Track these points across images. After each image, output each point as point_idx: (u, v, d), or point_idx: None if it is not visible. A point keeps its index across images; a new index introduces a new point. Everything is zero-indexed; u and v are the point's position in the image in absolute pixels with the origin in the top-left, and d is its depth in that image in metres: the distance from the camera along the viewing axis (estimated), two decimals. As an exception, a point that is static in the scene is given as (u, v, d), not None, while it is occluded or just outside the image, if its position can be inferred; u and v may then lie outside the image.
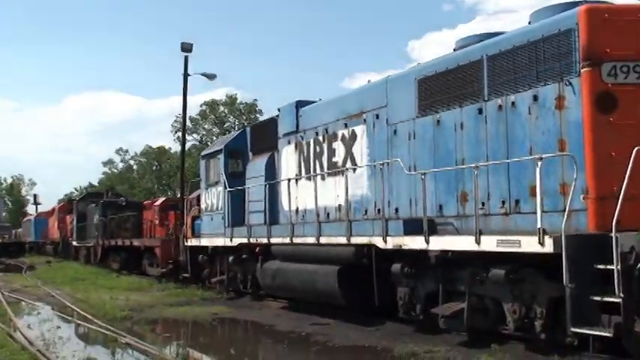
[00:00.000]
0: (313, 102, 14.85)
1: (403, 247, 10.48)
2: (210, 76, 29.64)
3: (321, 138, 13.90)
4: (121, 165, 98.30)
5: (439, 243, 9.78)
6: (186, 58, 28.02)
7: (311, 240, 12.99)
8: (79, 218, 38.94)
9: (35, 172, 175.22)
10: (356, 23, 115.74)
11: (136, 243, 26.76)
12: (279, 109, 15.68)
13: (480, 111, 9.90)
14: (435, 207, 10.63)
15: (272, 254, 14.78)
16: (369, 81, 13.02)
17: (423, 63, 11.43)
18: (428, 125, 10.92)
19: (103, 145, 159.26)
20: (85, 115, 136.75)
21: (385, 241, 10.84)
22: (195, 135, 75.22)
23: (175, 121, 75.94)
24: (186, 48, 28.21)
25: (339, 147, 13.26)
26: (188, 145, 74.68)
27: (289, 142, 15.14)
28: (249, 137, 17.27)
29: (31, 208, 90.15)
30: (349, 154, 12.94)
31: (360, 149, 12.61)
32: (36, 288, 22.67)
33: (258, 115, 69.68)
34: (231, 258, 16.87)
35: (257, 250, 15.39)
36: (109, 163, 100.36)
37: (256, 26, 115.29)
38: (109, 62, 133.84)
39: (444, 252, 9.72)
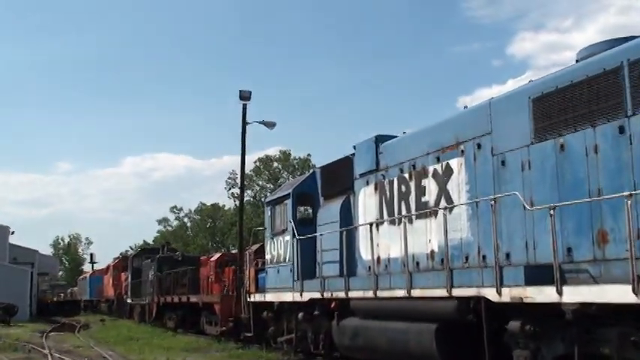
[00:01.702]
0: (394, 136, 13.15)
1: (525, 300, 8.51)
2: (269, 124, 28.38)
3: (407, 175, 12.14)
4: (175, 223, 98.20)
5: (577, 294, 7.79)
6: (244, 106, 26.87)
7: (400, 293, 11.10)
8: (133, 275, 37.75)
9: (92, 231, 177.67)
10: (405, 79, 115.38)
11: (193, 299, 25.12)
12: (354, 147, 14.01)
13: (622, 130, 8.01)
14: (562, 250, 8.66)
15: (350, 310, 12.93)
16: (465, 107, 11.28)
17: (537, 79, 9.64)
18: (548, 152, 9.06)
19: (158, 205, 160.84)
20: (141, 176, 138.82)
21: (500, 293, 8.89)
22: (249, 191, 74.41)
23: (229, 177, 75.72)
24: (245, 96, 27.11)
25: (431, 184, 11.46)
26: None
27: (367, 183, 13.41)
28: (320, 180, 15.59)
29: (87, 267, 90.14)
30: (443, 192, 11.12)
31: (458, 185, 10.79)
32: (88, 349, 21.17)
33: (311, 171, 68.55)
34: (300, 315, 15.04)
35: (332, 306, 13.53)
36: (164, 221, 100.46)
37: (305, 83, 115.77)
38: (164, 125, 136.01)
39: (585, 305, 7.72)
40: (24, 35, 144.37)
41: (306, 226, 15.36)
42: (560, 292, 7.95)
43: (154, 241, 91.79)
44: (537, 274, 8.53)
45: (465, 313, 9.70)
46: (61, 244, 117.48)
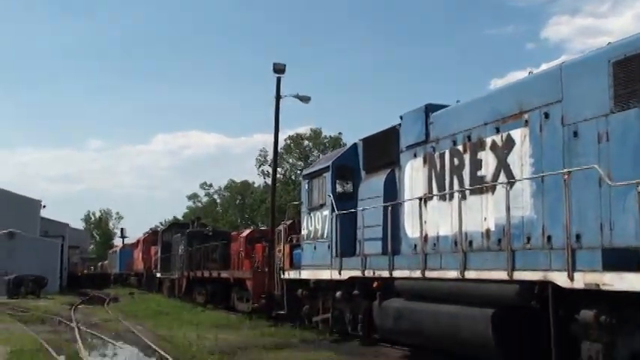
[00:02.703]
0: (446, 106, 12.18)
1: (602, 288, 7.55)
2: (304, 99, 27.51)
3: (460, 148, 11.18)
4: (205, 199, 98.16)
5: (668, 281, 6.84)
6: (278, 79, 26.01)
7: (452, 274, 10.21)
8: (163, 249, 37.35)
9: (123, 206, 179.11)
10: (438, 61, 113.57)
11: (224, 275, 24.47)
12: (401, 117, 13.07)
13: None
14: (643, 232, 7.68)
15: (394, 291, 12.09)
16: (530, 72, 10.25)
17: (619, 40, 8.58)
18: (631, 121, 8.03)
19: (188, 181, 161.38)
20: (172, 153, 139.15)
21: (571, 279, 7.95)
22: (279, 169, 73.65)
23: (259, 155, 75.14)
24: (279, 69, 26.20)
25: (488, 157, 10.49)
26: (269, 180, 73.62)
27: (415, 155, 12.48)
28: (362, 152, 14.65)
29: (118, 241, 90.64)
30: (502, 166, 10.14)
31: (520, 158, 9.81)
32: (116, 322, 20.70)
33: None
34: (338, 294, 14.24)
35: (374, 286, 12.69)
36: (194, 197, 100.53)
37: (337, 63, 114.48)
38: (196, 103, 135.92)
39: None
40: (57, 14, 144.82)
41: (345, 201, 14.54)
42: (646, 279, 7.00)
43: (183, 216, 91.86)
44: (617, 259, 7.59)
45: (527, 298, 8.78)
46: (92, 218, 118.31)
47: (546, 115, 9.34)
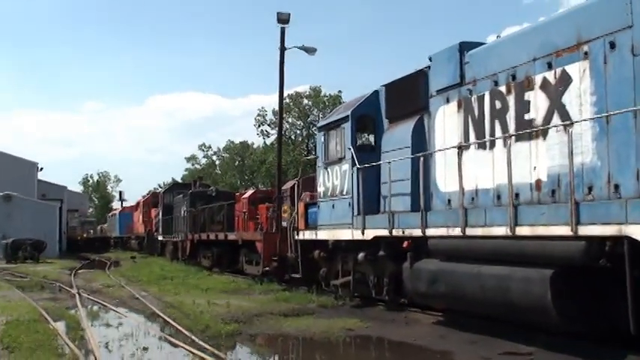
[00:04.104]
0: (482, 43, 10.88)
1: (697, 241, 6.40)
2: (310, 50, 26.23)
3: (503, 88, 9.89)
4: (204, 161, 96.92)
5: None
6: (282, 30, 24.75)
7: (500, 231, 9.05)
8: (164, 211, 36.27)
9: (121, 169, 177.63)
10: (434, 17, 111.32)
11: (231, 237, 23.31)
12: (430, 58, 11.76)
13: None
14: None
15: (427, 251, 10.93)
16: (587, -4, 8.91)
17: None
18: None
19: (185, 143, 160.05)
20: (168, 115, 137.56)
21: (655, 232, 6.79)
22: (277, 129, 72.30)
23: (258, 114, 73.73)
24: (283, 19, 24.93)
25: (538, 97, 9.21)
26: (269, 140, 72.42)
27: (448, 100, 11.21)
28: (384, 100, 13.34)
29: (116, 205, 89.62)
30: (556, 107, 8.88)
31: (578, 97, 8.53)
32: (119, 288, 19.61)
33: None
34: (360, 255, 13.08)
35: (404, 246, 11.52)
36: (192, 159, 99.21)
37: (334, 21, 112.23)
38: (190, 64, 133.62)
39: None
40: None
41: (365, 154, 13.32)
42: None
43: (182, 179, 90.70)
44: None
45: (595, 257, 7.63)
46: (90, 181, 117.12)
47: (612, 45, 8.05)
